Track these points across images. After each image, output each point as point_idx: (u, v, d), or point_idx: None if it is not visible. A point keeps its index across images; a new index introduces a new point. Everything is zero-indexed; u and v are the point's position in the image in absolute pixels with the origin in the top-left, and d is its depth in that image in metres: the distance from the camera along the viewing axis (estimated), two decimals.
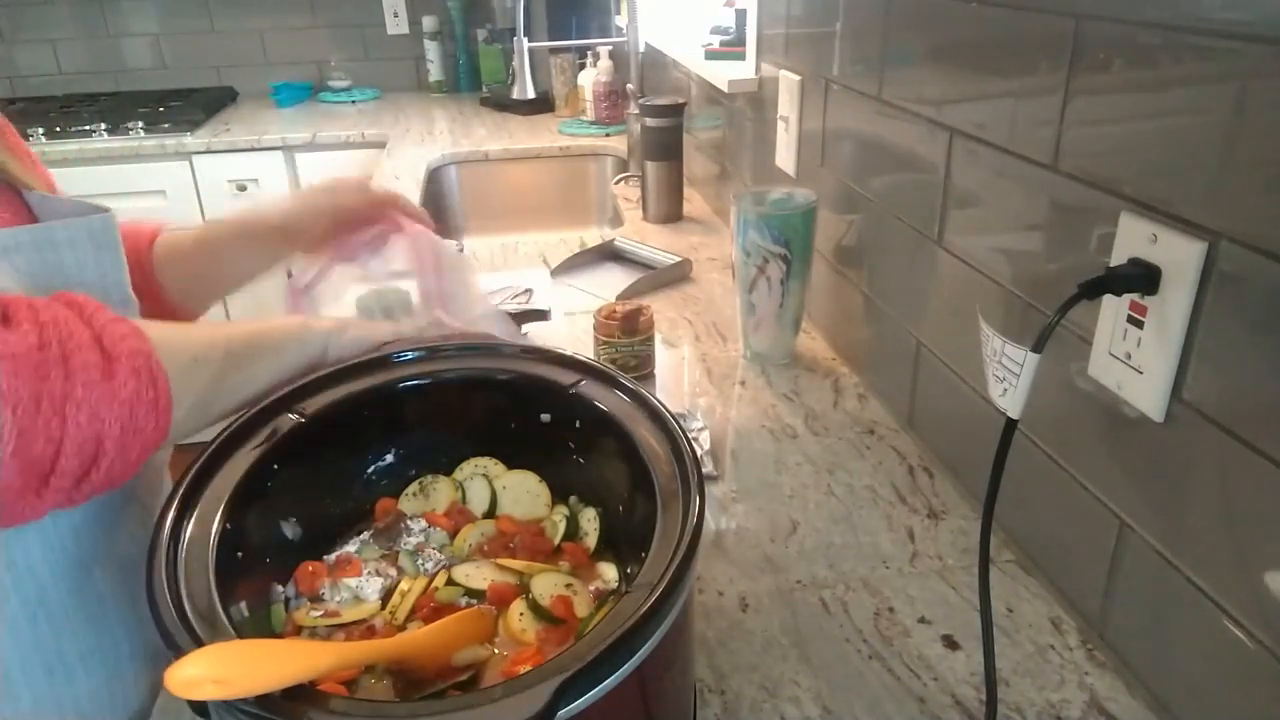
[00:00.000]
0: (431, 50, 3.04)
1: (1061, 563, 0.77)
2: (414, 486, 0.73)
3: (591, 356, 0.73)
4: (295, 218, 0.87)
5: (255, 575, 0.61)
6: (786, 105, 1.31)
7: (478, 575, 0.64)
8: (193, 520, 0.56)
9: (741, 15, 1.58)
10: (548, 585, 0.62)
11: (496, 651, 0.59)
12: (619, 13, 2.48)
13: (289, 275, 0.92)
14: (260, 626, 0.59)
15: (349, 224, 0.88)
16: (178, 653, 0.46)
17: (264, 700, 0.43)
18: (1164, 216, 0.60)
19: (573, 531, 0.69)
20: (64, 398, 0.51)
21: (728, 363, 1.21)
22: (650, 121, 1.70)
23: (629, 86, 2.16)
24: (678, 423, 0.62)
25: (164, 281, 0.86)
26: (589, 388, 0.68)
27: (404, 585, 0.64)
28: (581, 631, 0.59)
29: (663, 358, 1.22)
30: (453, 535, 0.69)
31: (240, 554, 0.58)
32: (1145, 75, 0.62)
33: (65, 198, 0.68)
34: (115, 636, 0.69)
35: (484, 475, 0.73)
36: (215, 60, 3.06)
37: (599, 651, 0.45)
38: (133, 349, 0.55)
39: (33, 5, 2.90)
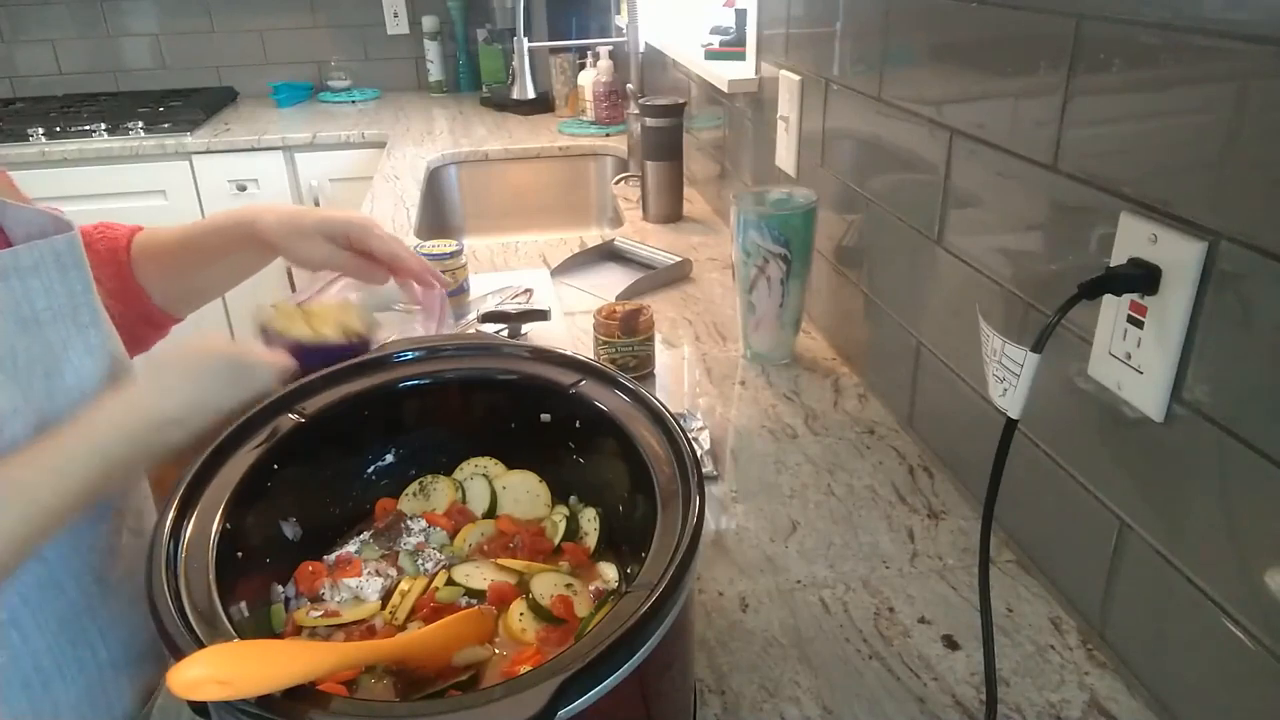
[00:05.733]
0: (431, 50, 3.04)
1: (1061, 563, 0.77)
2: (414, 486, 0.73)
3: (591, 356, 0.73)
4: (293, 238, 0.85)
5: (255, 575, 0.61)
6: (786, 105, 1.31)
7: (478, 575, 0.64)
8: (193, 520, 0.56)
9: (741, 15, 1.58)
10: (548, 585, 0.62)
11: (496, 651, 0.59)
12: (619, 13, 2.48)
13: (292, 289, 0.93)
14: (260, 626, 0.59)
15: (359, 256, 0.88)
16: (178, 653, 0.46)
17: (265, 700, 0.43)
18: (1164, 216, 0.60)
19: (573, 531, 0.69)
20: None
21: (728, 363, 1.21)
22: (650, 121, 1.70)
23: (629, 86, 2.16)
24: (678, 423, 0.62)
25: (144, 283, 0.85)
26: (589, 388, 0.68)
27: (404, 585, 0.64)
28: (581, 631, 0.59)
29: (663, 358, 1.22)
30: (453, 535, 0.69)
31: (240, 554, 0.58)
32: (1145, 75, 0.62)
33: (28, 206, 0.66)
34: (93, 646, 0.68)
35: (484, 475, 0.73)
36: (215, 60, 3.06)
37: (599, 651, 0.45)
38: None
39: (33, 5, 2.90)
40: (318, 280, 0.92)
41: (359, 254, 0.85)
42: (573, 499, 0.72)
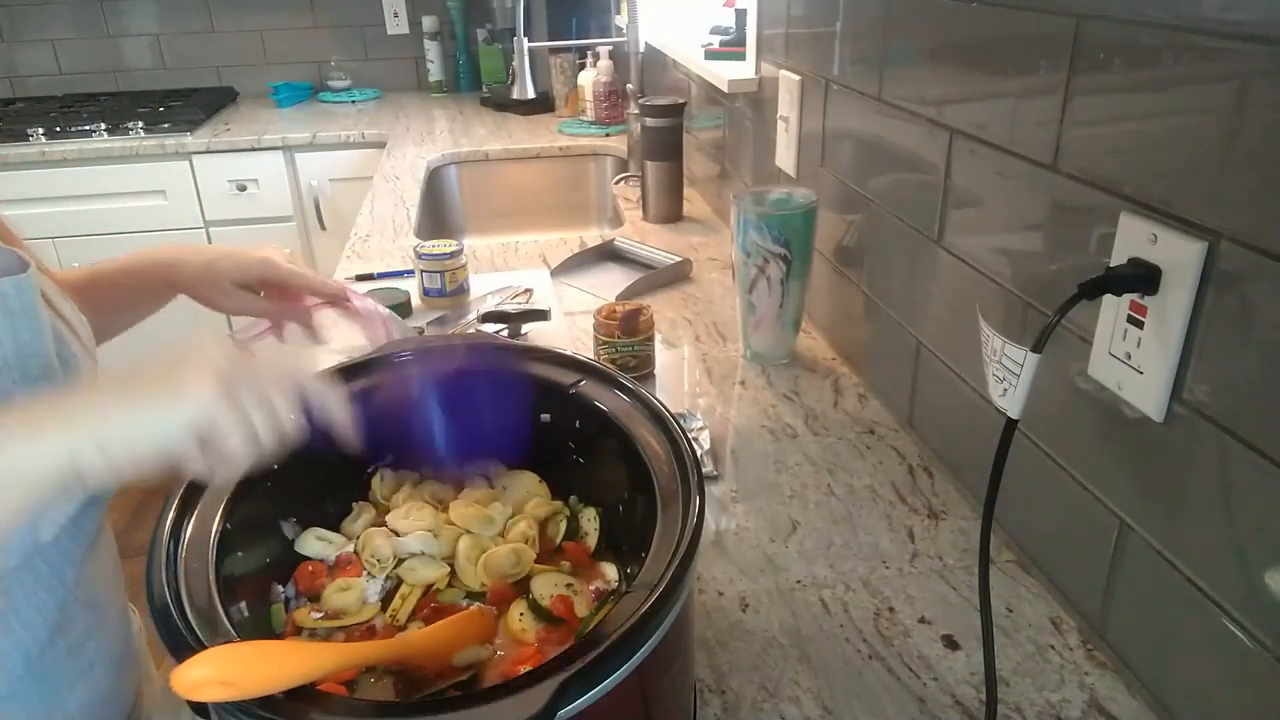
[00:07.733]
0: (431, 50, 3.04)
1: (1061, 563, 0.77)
2: None
3: (591, 356, 0.73)
4: (209, 291, 0.82)
5: (255, 575, 0.61)
6: (786, 105, 1.31)
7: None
8: (193, 520, 0.56)
9: (741, 15, 1.58)
10: (548, 585, 0.62)
11: (497, 652, 0.59)
12: (619, 13, 2.48)
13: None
14: (260, 626, 0.59)
15: (277, 300, 0.86)
16: (180, 654, 0.46)
17: (266, 701, 0.43)
18: (1164, 216, 0.60)
19: (573, 531, 0.69)
20: None
21: (728, 363, 1.21)
22: (650, 121, 1.70)
23: (629, 86, 2.15)
24: (678, 423, 0.63)
25: None
26: (589, 388, 0.68)
27: (404, 589, 0.64)
28: (581, 631, 0.59)
29: (663, 358, 1.22)
30: None
31: (240, 554, 0.58)
32: (1145, 75, 0.62)
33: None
34: (91, 646, 0.67)
35: (484, 475, 0.73)
36: (215, 60, 3.06)
37: (599, 651, 0.45)
38: None
39: (33, 5, 2.90)
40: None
41: (277, 293, 0.85)
42: (573, 499, 0.72)
